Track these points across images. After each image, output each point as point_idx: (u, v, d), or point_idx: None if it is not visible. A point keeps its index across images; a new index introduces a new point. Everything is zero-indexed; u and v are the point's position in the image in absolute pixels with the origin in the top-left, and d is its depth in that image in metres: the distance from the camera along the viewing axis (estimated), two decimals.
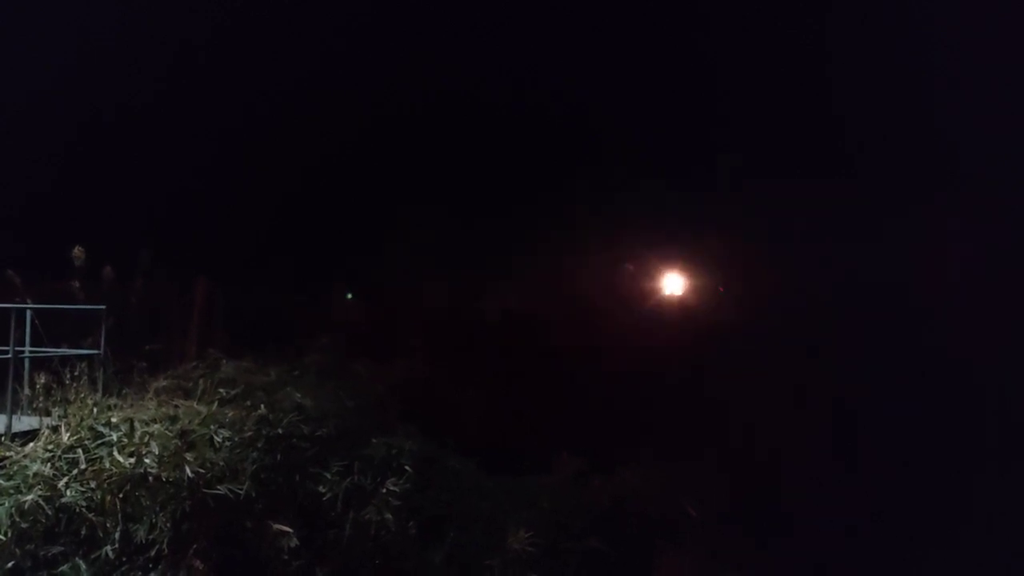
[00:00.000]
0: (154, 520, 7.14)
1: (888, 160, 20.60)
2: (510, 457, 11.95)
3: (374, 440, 9.55)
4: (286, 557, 7.79)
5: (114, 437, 7.62)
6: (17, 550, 6.79)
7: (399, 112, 20.93)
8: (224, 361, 10.42)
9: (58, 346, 9.41)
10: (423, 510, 9.32)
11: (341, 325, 15.96)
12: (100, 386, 9.28)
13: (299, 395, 9.57)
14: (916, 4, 19.51)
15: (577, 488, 11.04)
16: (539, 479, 11.12)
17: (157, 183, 17.81)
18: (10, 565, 6.77)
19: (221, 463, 7.72)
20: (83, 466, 7.30)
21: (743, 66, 21.39)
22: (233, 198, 18.44)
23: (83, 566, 6.93)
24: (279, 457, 8.44)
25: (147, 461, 7.26)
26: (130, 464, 7.22)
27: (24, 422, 8.39)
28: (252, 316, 14.21)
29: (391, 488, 8.82)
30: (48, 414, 8.48)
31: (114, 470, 7.20)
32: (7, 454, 7.38)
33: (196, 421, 8.20)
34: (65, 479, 7.13)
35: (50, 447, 7.51)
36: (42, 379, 8.83)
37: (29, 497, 6.84)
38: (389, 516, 8.58)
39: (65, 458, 7.41)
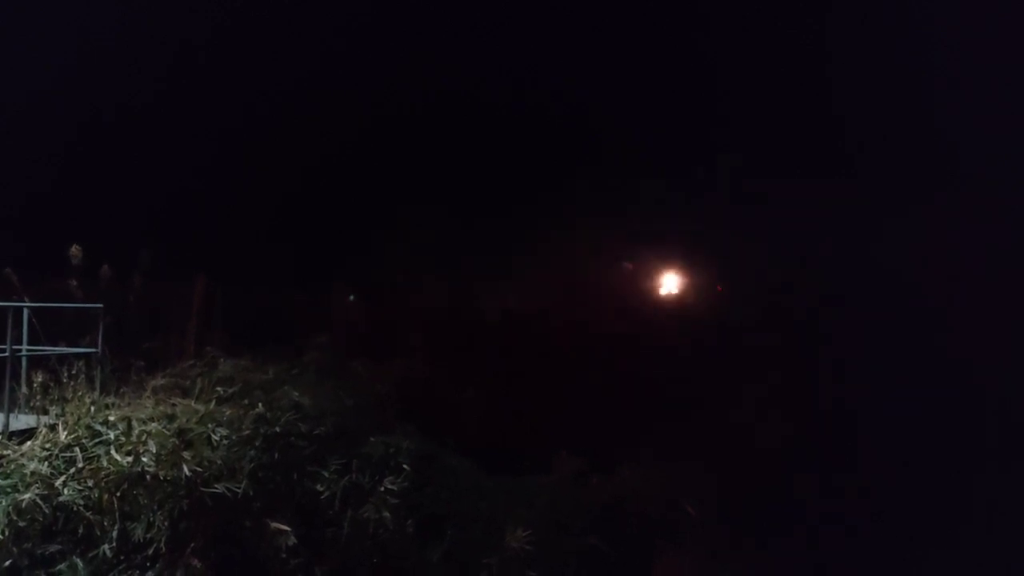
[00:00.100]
0: (152, 519, 7.13)
1: (888, 160, 20.59)
2: (509, 456, 11.95)
3: (372, 439, 9.55)
4: (284, 555, 7.78)
5: (112, 436, 7.61)
6: (15, 548, 6.78)
7: (399, 112, 20.92)
8: (222, 360, 10.42)
9: (56, 345, 9.39)
10: (421, 509, 9.32)
11: (340, 324, 15.96)
12: (98, 385, 9.26)
13: (297, 394, 9.56)
14: (916, 4, 19.51)
15: (576, 487, 11.04)
16: (538, 478, 11.12)
17: (156, 183, 17.80)
18: (7, 563, 6.77)
19: (219, 462, 7.71)
20: (81, 465, 7.29)
21: (743, 66, 21.40)
22: (232, 197, 18.44)
23: (81, 565, 6.92)
24: (277, 455, 8.43)
25: (145, 460, 7.25)
26: (128, 463, 7.21)
27: (22, 420, 8.37)
28: (250, 315, 14.19)
29: (389, 487, 8.82)
30: (46, 413, 8.47)
31: (112, 469, 7.19)
32: (5, 452, 7.36)
33: (194, 420, 8.19)
34: (63, 478, 7.12)
35: (48, 446, 7.50)
36: (40, 378, 8.81)
37: (27, 496, 6.83)
38: (387, 515, 8.58)
39: (63, 457, 7.40)
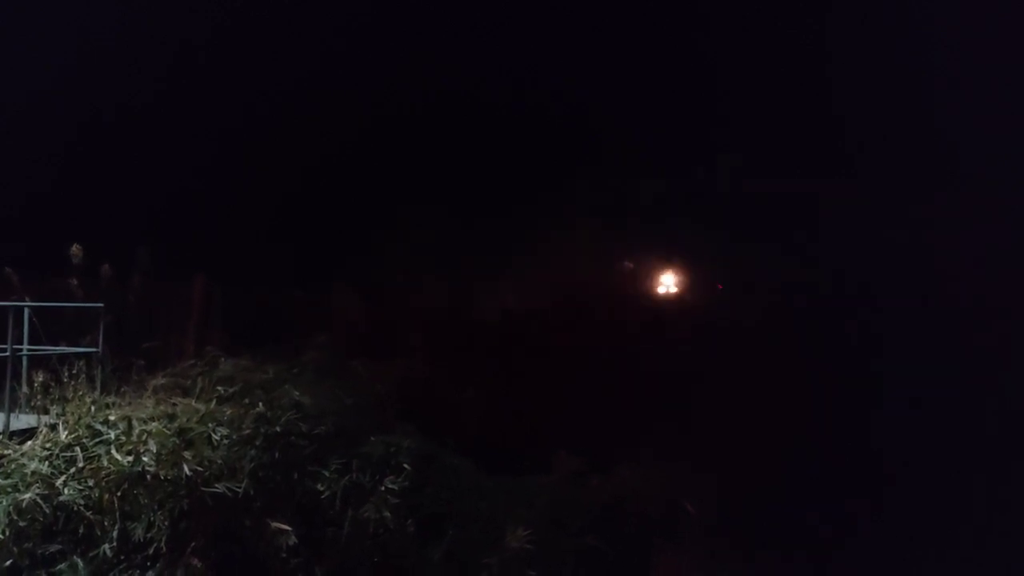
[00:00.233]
0: (152, 518, 7.13)
1: (888, 160, 20.61)
2: (509, 456, 11.95)
3: (373, 438, 9.53)
4: (284, 555, 7.78)
5: (112, 435, 7.61)
6: (15, 548, 6.78)
7: (399, 112, 20.92)
8: (222, 359, 10.40)
9: (56, 344, 9.40)
10: (422, 508, 9.31)
11: (340, 324, 15.94)
12: (98, 384, 9.26)
13: (297, 393, 9.55)
14: (916, 4, 19.52)
15: (576, 487, 11.03)
16: (538, 478, 11.11)
17: (156, 182, 17.79)
18: (8, 563, 6.77)
19: (219, 461, 7.72)
20: (81, 464, 7.30)
21: (743, 66, 21.41)
22: (232, 197, 18.44)
23: (81, 564, 6.92)
24: (277, 455, 8.42)
25: (145, 459, 7.25)
26: (128, 462, 7.21)
27: (22, 420, 8.38)
28: (250, 314, 14.20)
29: (390, 486, 8.81)
30: (46, 412, 8.47)
31: (112, 468, 7.19)
32: (5, 452, 7.37)
33: (194, 419, 8.19)
34: (63, 477, 7.12)
35: (48, 445, 7.50)
36: (40, 377, 8.81)
37: (27, 495, 6.83)
38: (388, 514, 8.57)
39: (63, 456, 7.40)
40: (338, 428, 9.43)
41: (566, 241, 20.79)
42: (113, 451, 7.36)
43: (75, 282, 10.64)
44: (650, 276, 22.87)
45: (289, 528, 7.82)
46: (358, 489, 8.81)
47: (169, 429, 7.81)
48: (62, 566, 6.89)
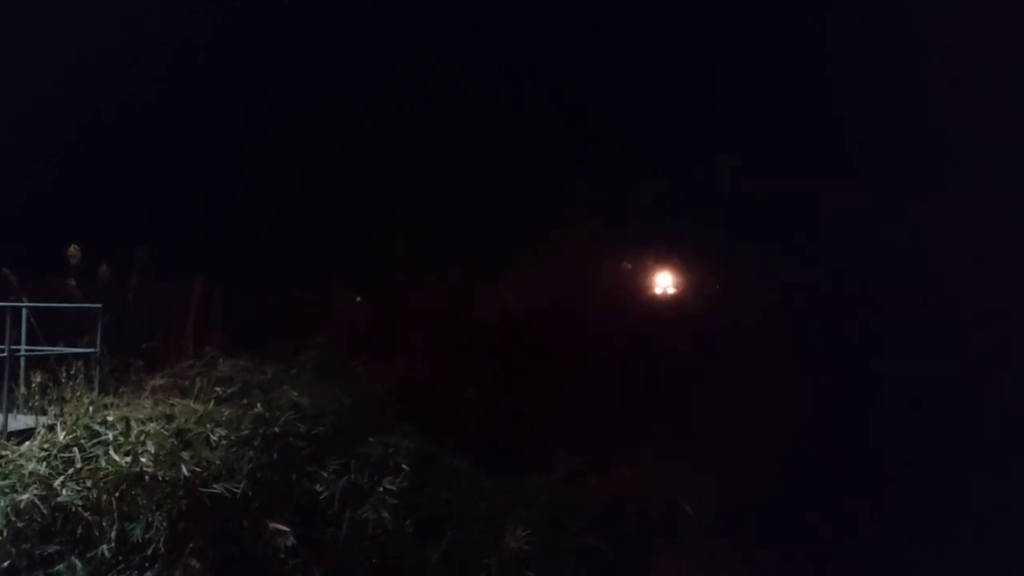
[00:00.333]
0: (150, 519, 7.12)
1: (888, 160, 20.59)
2: (509, 456, 11.95)
3: (371, 439, 9.52)
4: (283, 556, 7.77)
5: (110, 436, 7.60)
6: (13, 549, 6.77)
7: (399, 112, 20.92)
8: (221, 359, 10.42)
9: (54, 345, 9.40)
10: (420, 509, 9.29)
11: (339, 324, 15.94)
12: (96, 385, 9.26)
13: (296, 393, 9.55)
14: (916, 4, 19.50)
15: (576, 487, 11.03)
16: (538, 478, 11.11)
17: (156, 183, 17.80)
18: (6, 564, 6.76)
19: (217, 462, 7.71)
20: (79, 465, 7.29)
21: (743, 66, 21.39)
22: (232, 197, 18.44)
23: (79, 565, 6.91)
24: (276, 456, 8.41)
25: (143, 460, 7.24)
26: (126, 463, 7.20)
27: (20, 421, 8.38)
28: (249, 315, 14.21)
29: (388, 487, 8.80)
30: (44, 413, 8.48)
31: (110, 469, 7.18)
32: (3, 453, 7.36)
33: (192, 420, 8.18)
34: (61, 478, 7.11)
35: (46, 446, 7.50)
36: (38, 378, 8.81)
37: (25, 496, 6.82)
38: (386, 515, 8.56)
39: (61, 457, 7.39)
40: (337, 428, 9.42)
41: (566, 241, 20.78)
42: (111, 452, 7.35)
43: (73, 282, 10.65)
44: (650, 276, 22.86)
45: (287, 529, 7.81)
46: (357, 490, 8.79)
47: (167, 430, 7.81)
48: (60, 567, 6.88)
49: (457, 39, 21.13)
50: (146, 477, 7.19)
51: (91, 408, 8.18)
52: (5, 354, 8.43)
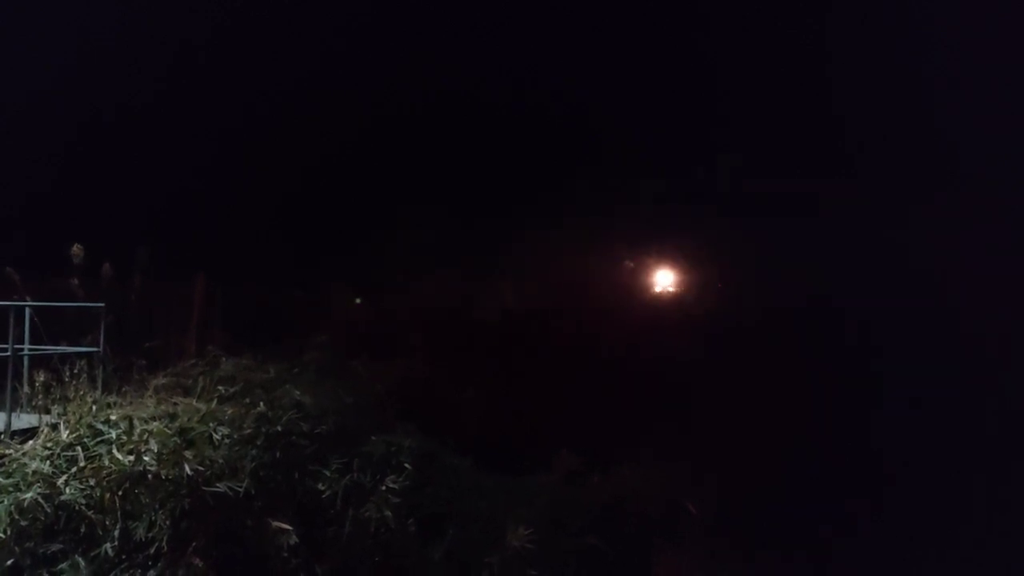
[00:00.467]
0: (153, 518, 7.12)
1: (888, 160, 20.62)
2: (509, 456, 11.94)
3: (373, 438, 9.52)
4: (285, 554, 7.76)
5: (113, 435, 7.60)
6: (16, 548, 6.77)
7: (399, 112, 20.95)
8: (223, 359, 10.42)
9: (57, 344, 9.40)
10: (422, 508, 9.28)
11: (340, 323, 15.96)
12: (99, 384, 9.27)
13: (298, 392, 9.54)
14: (916, 4, 19.53)
15: (576, 487, 11.02)
16: (538, 478, 11.09)
17: (157, 182, 17.83)
18: (9, 563, 6.77)
19: (220, 461, 7.70)
20: (82, 464, 7.29)
21: (743, 66, 21.42)
22: (233, 197, 18.47)
23: (82, 564, 6.91)
24: (278, 454, 8.40)
25: (146, 459, 7.24)
26: (129, 462, 7.20)
27: (23, 420, 8.38)
28: (251, 314, 14.22)
29: (390, 485, 8.78)
30: (47, 412, 8.47)
31: (113, 468, 7.18)
32: (6, 452, 7.36)
33: (195, 419, 8.18)
34: (64, 477, 7.11)
35: (49, 445, 7.49)
36: (41, 377, 8.81)
37: (28, 495, 6.82)
38: (388, 513, 8.55)
39: (64, 456, 7.39)
40: (339, 427, 9.42)
41: (566, 241, 20.79)
42: (114, 450, 7.35)
43: (76, 282, 10.65)
44: (649, 276, 22.87)
45: (290, 527, 7.80)
46: (359, 488, 8.78)
47: (170, 428, 7.81)
48: (63, 565, 6.88)
49: (457, 39, 21.17)
50: (149, 476, 7.19)
51: (94, 407, 8.18)
52: (9, 353, 8.44)
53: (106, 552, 6.96)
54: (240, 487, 7.60)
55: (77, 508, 7.02)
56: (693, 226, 21.62)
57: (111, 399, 8.75)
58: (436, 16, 20.66)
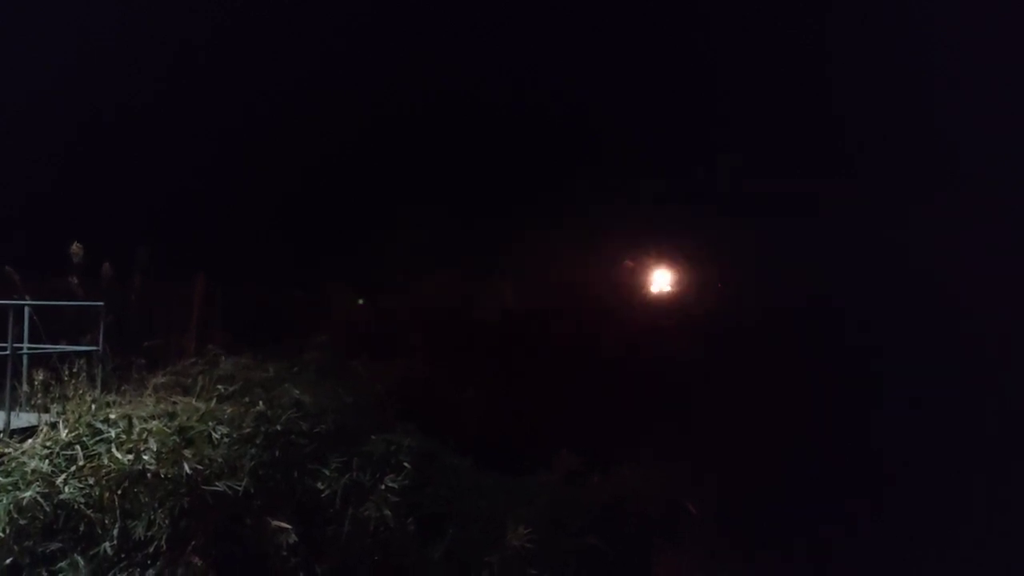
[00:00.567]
0: (152, 517, 7.12)
1: (888, 160, 20.62)
2: (509, 456, 11.94)
3: (373, 437, 9.52)
4: (285, 553, 7.75)
5: (112, 434, 7.60)
6: (15, 546, 6.77)
7: (399, 112, 20.95)
8: (223, 358, 10.42)
9: (57, 343, 9.40)
10: (422, 507, 9.28)
11: (340, 323, 15.96)
12: (98, 383, 9.26)
13: (298, 392, 9.54)
14: (916, 4, 19.54)
15: (576, 487, 11.01)
16: (538, 477, 11.09)
17: (157, 182, 17.83)
18: (9, 561, 6.77)
19: (219, 459, 7.70)
20: (81, 463, 7.29)
21: (743, 66, 21.42)
22: (233, 197, 18.47)
23: (81, 563, 6.91)
24: (278, 453, 8.40)
25: (145, 458, 7.24)
26: (128, 461, 7.20)
27: (23, 419, 8.38)
28: (251, 313, 14.22)
29: (390, 485, 8.78)
30: (47, 411, 8.47)
31: (112, 467, 7.18)
32: (5, 451, 7.36)
33: (194, 417, 8.18)
34: (63, 476, 7.11)
35: (48, 444, 7.49)
36: (41, 376, 8.81)
37: (27, 494, 6.82)
38: (388, 513, 8.54)
39: (63, 455, 7.39)
40: (338, 427, 9.41)
41: (566, 241, 20.79)
42: (113, 449, 7.35)
43: (75, 281, 10.64)
44: (650, 276, 22.87)
45: (289, 526, 7.80)
46: (358, 487, 8.78)
47: (169, 427, 7.81)
48: (62, 564, 6.88)
49: (457, 39, 21.17)
50: (148, 475, 7.19)
51: (93, 406, 8.19)
52: (8, 352, 8.44)
53: (105, 551, 6.96)
54: (239, 486, 7.60)
55: (76, 507, 7.02)
56: (693, 226, 21.60)
57: (110, 398, 8.76)
58: (436, 16, 20.68)
